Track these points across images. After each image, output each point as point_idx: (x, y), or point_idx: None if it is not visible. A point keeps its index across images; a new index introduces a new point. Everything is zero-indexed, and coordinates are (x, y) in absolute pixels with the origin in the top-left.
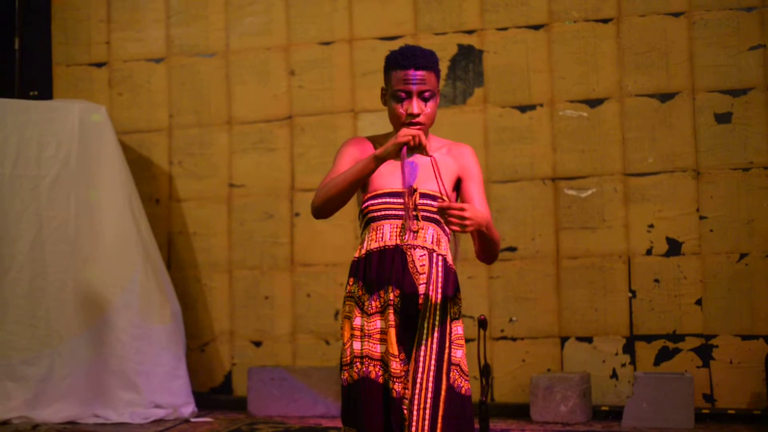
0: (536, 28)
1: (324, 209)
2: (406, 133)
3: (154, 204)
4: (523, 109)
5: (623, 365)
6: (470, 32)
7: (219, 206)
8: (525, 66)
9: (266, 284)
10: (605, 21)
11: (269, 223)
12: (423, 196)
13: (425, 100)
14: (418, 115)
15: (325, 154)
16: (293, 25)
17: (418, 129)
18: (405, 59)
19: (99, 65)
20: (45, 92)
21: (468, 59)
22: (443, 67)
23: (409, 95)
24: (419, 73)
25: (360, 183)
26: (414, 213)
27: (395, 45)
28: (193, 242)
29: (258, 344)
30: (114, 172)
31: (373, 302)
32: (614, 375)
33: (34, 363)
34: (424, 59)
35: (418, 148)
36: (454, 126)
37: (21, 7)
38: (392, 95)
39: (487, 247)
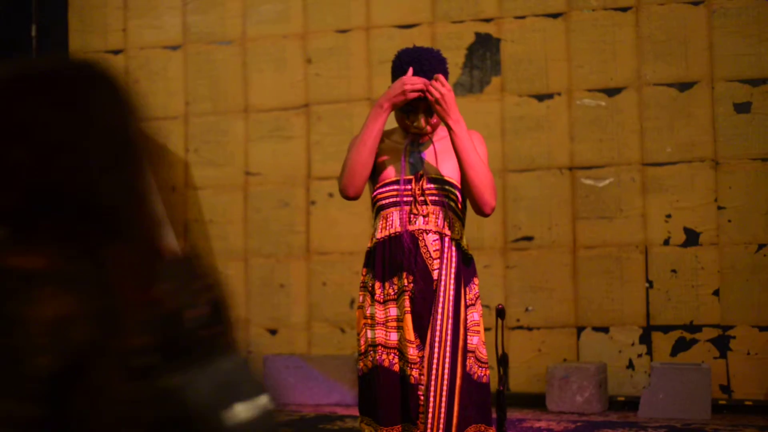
0: (554, 16)
1: (352, 178)
2: (410, 88)
3: (170, 192)
4: (541, 98)
5: (640, 356)
6: (488, 20)
7: (235, 194)
8: (542, 55)
9: (282, 272)
10: (624, 9)
11: (285, 212)
12: (430, 180)
13: (431, 114)
14: (424, 128)
15: (341, 143)
16: (310, 12)
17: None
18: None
19: (115, 52)
20: None
21: (485, 48)
22: (460, 55)
23: (415, 109)
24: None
25: (375, 135)
26: (422, 198)
27: (412, 33)
28: (209, 230)
29: (273, 332)
30: None
31: (387, 289)
32: (630, 365)
33: None
34: (432, 75)
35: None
36: (471, 114)
37: None
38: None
39: (468, 170)
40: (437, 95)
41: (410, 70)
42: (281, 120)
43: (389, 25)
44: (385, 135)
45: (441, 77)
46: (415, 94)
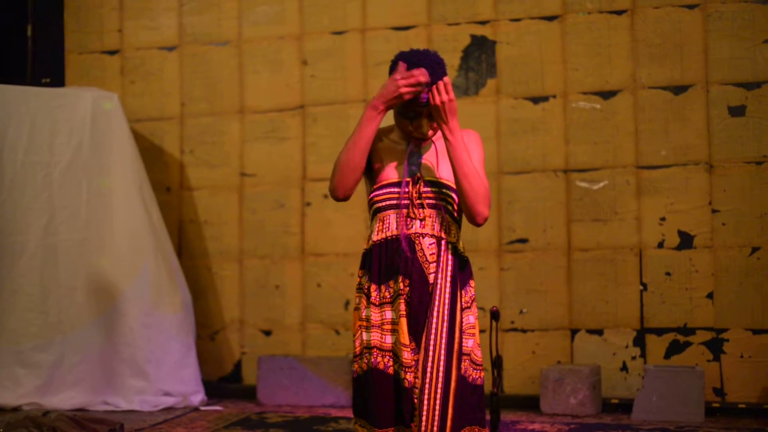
0: (550, 19)
1: (341, 180)
2: (405, 90)
3: (166, 192)
4: (536, 100)
5: (633, 358)
6: (483, 23)
7: (230, 195)
8: (538, 57)
9: (277, 273)
10: (619, 12)
11: (280, 213)
12: (427, 183)
13: (432, 119)
14: (426, 134)
15: (336, 144)
16: (306, 14)
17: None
18: None
19: (111, 53)
20: (57, 79)
21: (481, 50)
22: (456, 57)
23: (419, 115)
24: (426, 95)
25: (368, 138)
26: (419, 201)
27: (408, 35)
28: (204, 231)
29: (268, 333)
30: (125, 160)
31: (383, 292)
32: (624, 368)
33: (44, 350)
34: (434, 79)
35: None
36: (467, 117)
37: None
38: (399, 111)
39: (462, 180)
40: (438, 102)
41: (402, 66)
42: (277, 121)
43: (385, 27)
44: (382, 133)
45: (448, 83)
46: (410, 95)
